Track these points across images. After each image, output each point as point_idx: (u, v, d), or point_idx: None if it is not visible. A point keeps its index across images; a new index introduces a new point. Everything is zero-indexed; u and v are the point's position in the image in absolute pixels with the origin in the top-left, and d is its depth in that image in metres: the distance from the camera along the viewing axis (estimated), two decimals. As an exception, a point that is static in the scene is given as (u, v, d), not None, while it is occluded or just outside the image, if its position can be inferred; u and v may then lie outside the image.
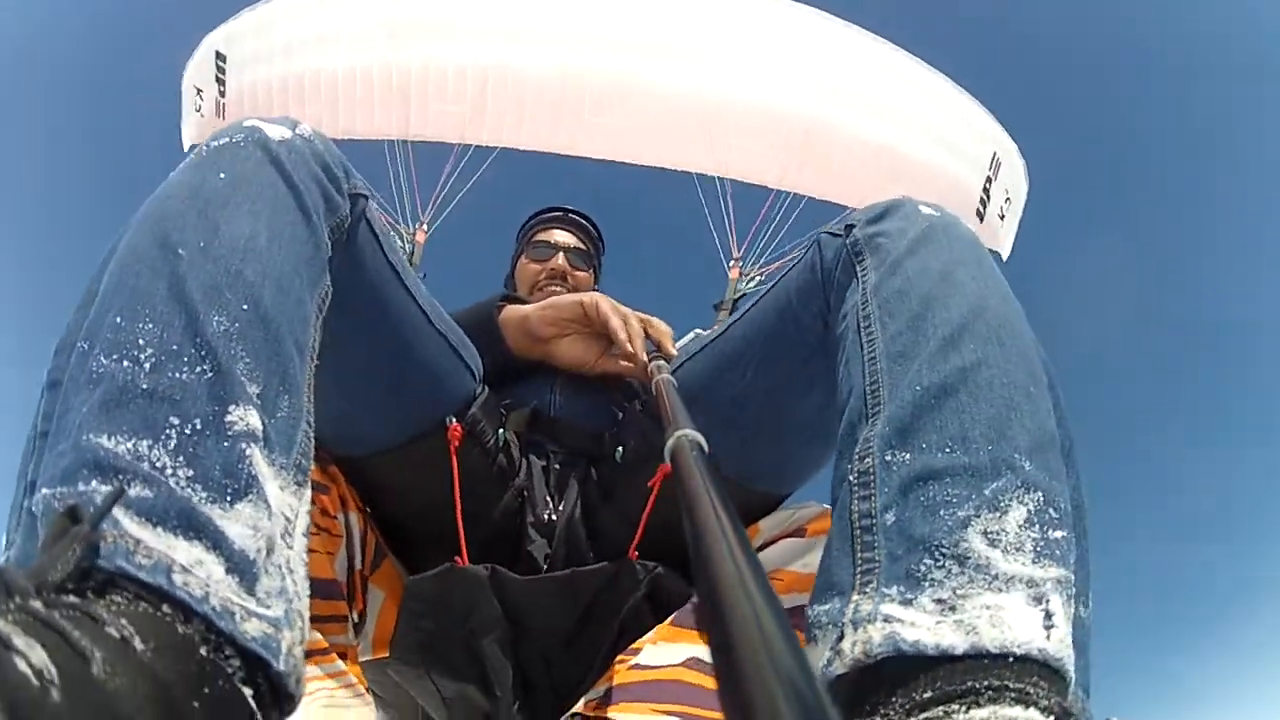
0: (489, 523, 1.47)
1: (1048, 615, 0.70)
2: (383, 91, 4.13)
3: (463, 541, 1.36)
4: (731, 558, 0.39)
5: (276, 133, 0.95)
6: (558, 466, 1.59)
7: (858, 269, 1.07)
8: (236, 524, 0.66)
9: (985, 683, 0.65)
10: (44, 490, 0.64)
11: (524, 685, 1.33)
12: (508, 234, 2.64)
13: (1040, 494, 0.77)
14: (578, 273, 2.29)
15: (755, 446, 1.37)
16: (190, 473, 0.66)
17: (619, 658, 1.27)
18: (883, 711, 0.66)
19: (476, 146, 4.39)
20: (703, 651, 1.20)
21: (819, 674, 0.71)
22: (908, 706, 0.65)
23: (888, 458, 0.82)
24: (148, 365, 0.70)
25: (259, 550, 0.67)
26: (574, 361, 1.71)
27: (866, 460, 0.84)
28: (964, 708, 0.63)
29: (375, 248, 1.16)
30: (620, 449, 1.54)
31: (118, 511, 0.61)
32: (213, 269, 0.78)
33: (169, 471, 0.65)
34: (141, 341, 0.71)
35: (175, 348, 0.71)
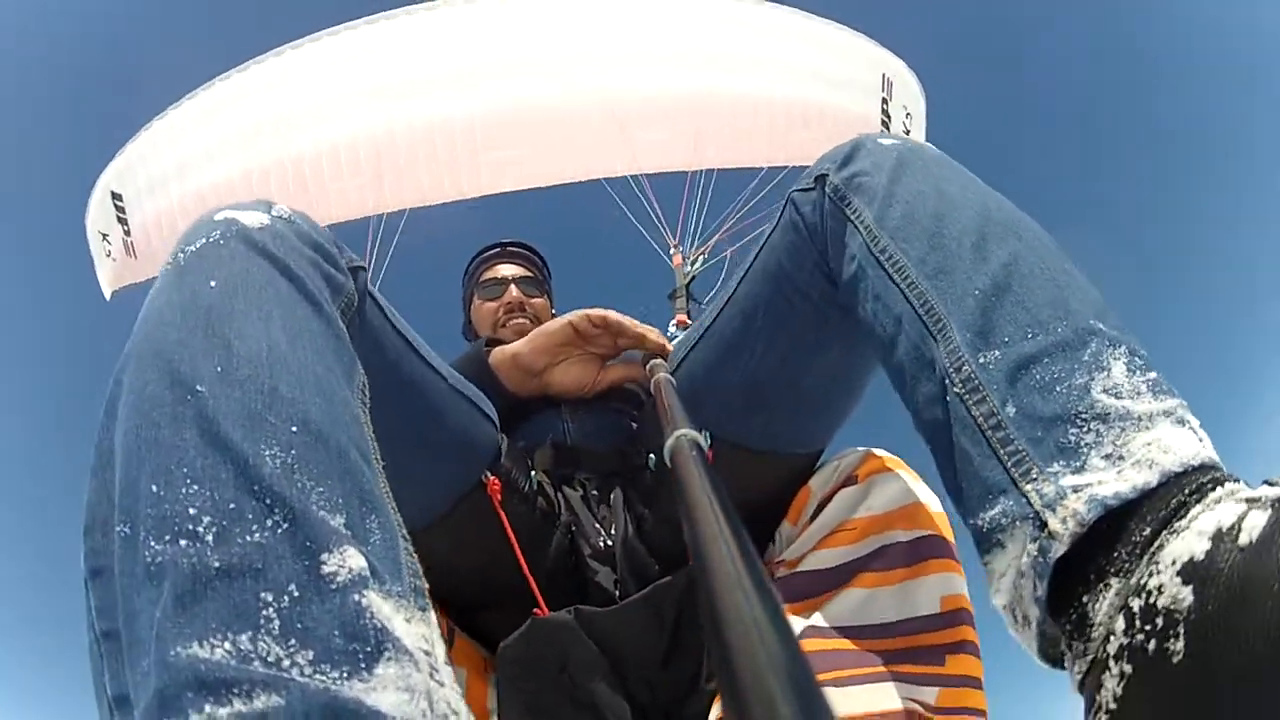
0: (547, 567, 1.45)
1: (1194, 431, 0.76)
2: (280, 186, 4.08)
3: (536, 591, 1.34)
4: (730, 559, 0.39)
5: (254, 219, 0.85)
6: (595, 492, 1.58)
7: (848, 211, 1.10)
8: (386, 693, 0.55)
9: (1185, 492, 0.69)
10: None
11: (642, 713, 1.31)
12: (448, 283, 2.63)
13: (1125, 346, 0.82)
14: (533, 299, 2.27)
15: (782, 418, 1.38)
16: (309, 654, 0.54)
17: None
18: (1115, 567, 0.70)
19: (390, 214, 4.38)
20: (801, 623, 1.21)
21: (1039, 564, 0.74)
22: (1137, 550, 0.69)
23: (981, 360, 0.86)
24: (210, 538, 0.58)
25: (423, 713, 0.57)
26: (574, 385, 1.67)
27: (964, 369, 0.87)
28: (1184, 519, 0.67)
29: (384, 320, 1.12)
30: (650, 456, 1.53)
31: None
32: (242, 396, 0.66)
33: (286, 663, 0.54)
34: (192, 511, 0.59)
35: (233, 506, 0.59)
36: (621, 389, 1.77)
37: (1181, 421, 0.77)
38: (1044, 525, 0.74)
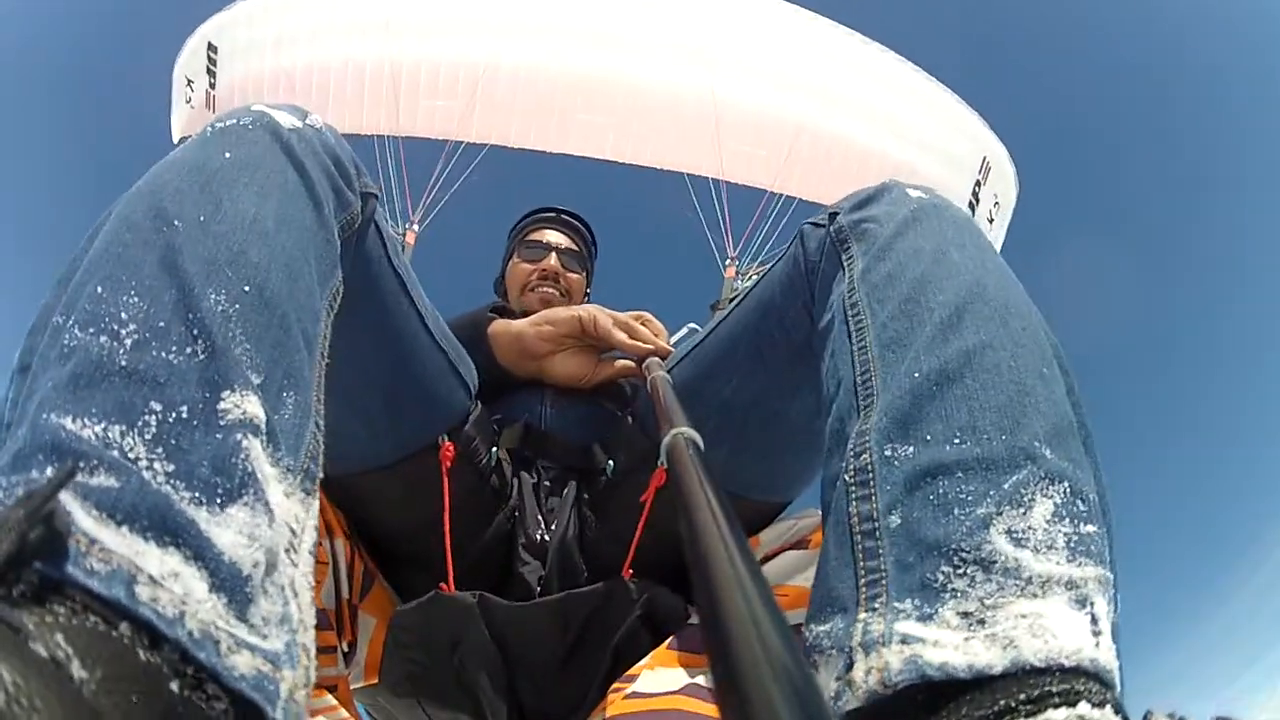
0: (480, 545, 1.43)
1: (1093, 620, 0.62)
2: (375, 86, 4.10)
3: (450, 567, 1.31)
4: (729, 558, 0.38)
5: (286, 120, 0.87)
6: (548, 484, 1.55)
7: (843, 257, 0.99)
8: (228, 531, 0.55)
9: (1023, 695, 0.56)
10: None
11: (520, 713, 1.29)
12: (497, 235, 2.61)
13: (1066, 485, 0.68)
14: (570, 274, 2.22)
15: (746, 456, 1.32)
16: (170, 467, 0.55)
17: (615, 685, 1.22)
18: None
19: (467, 145, 4.36)
20: (702, 677, 1.16)
21: (828, 710, 0.63)
22: None
23: (887, 452, 0.73)
24: (129, 342, 0.59)
25: (256, 565, 0.56)
26: (570, 377, 1.65)
27: (863, 456, 0.74)
28: None
29: (383, 252, 1.11)
30: (611, 463, 1.50)
31: (71, 503, 0.50)
32: (212, 244, 0.68)
33: (143, 463, 0.54)
34: (124, 315, 0.60)
35: (162, 324, 0.61)
36: (612, 386, 1.73)
37: (1083, 601, 0.62)
38: (850, 667, 0.62)
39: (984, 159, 4.62)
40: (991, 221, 4.77)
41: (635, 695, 1.16)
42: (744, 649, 0.31)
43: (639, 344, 1.53)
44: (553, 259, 2.21)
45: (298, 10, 4.11)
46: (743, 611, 0.33)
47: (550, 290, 2.18)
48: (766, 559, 1.31)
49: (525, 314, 1.84)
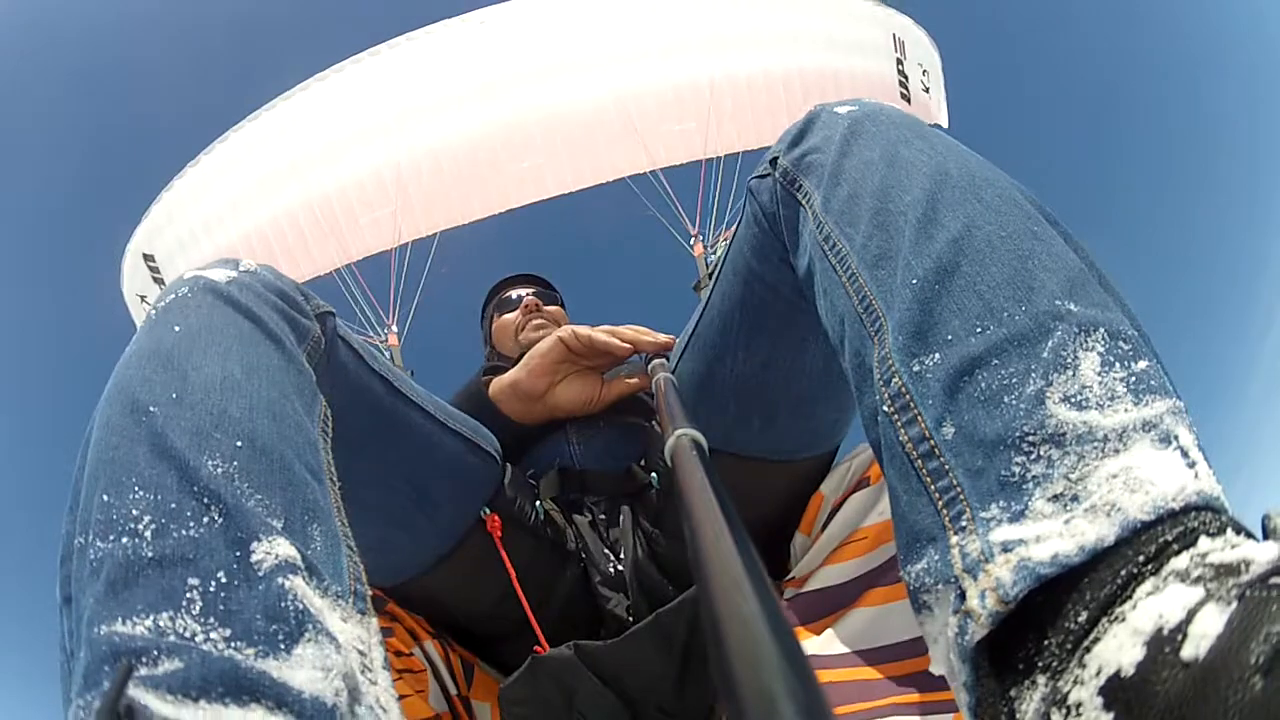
0: (560, 598, 1.43)
1: (1183, 452, 0.59)
2: (311, 227, 4.14)
3: (536, 628, 1.30)
4: (730, 558, 0.38)
5: (220, 275, 0.87)
6: (603, 516, 1.54)
7: (799, 196, 0.97)
8: (300, 671, 0.56)
9: (1141, 557, 0.53)
10: (71, 705, 0.54)
11: None
12: (474, 302, 2.69)
13: (1102, 330, 0.65)
14: (549, 306, 2.30)
15: (780, 420, 1.30)
16: (227, 631, 0.55)
17: None
18: (1044, 660, 0.54)
19: (416, 241, 4.39)
20: (813, 644, 1.15)
21: (959, 646, 0.60)
22: (1069, 641, 0.53)
23: (915, 368, 0.71)
24: (148, 534, 0.60)
25: (338, 693, 0.57)
26: (578, 402, 1.63)
27: (894, 381, 0.72)
28: (1127, 603, 0.51)
29: (359, 363, 1.10)
30: (654, 475, 1.50)
31: (144, 697, 0.50)
32: (192, 415, 0.69)
33: (200, 637, 0.55)
34: (135, 511, 0.61)
35: (174, 506, 0.62)
36: (630, 400, 1.72)
37: (1167, 438, 0.59)
38: (964, 596, 0.60)
39: (894, 35, 4.59)
40: (928, 90, 4.74)
41: None
42: (744, 649, 0.31)
43: (624, 342, 1.52)
44: (529, 297, 2.27)
45: (211, 191, 4.17)
46: (744, 612, 0.34)
47: (540, 320, 2.23)
48: (835, 509, 1.30)
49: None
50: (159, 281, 4.27)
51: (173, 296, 0.84)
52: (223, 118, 4.16)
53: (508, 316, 2.29)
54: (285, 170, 4.13)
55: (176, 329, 0.79)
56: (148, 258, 4.28)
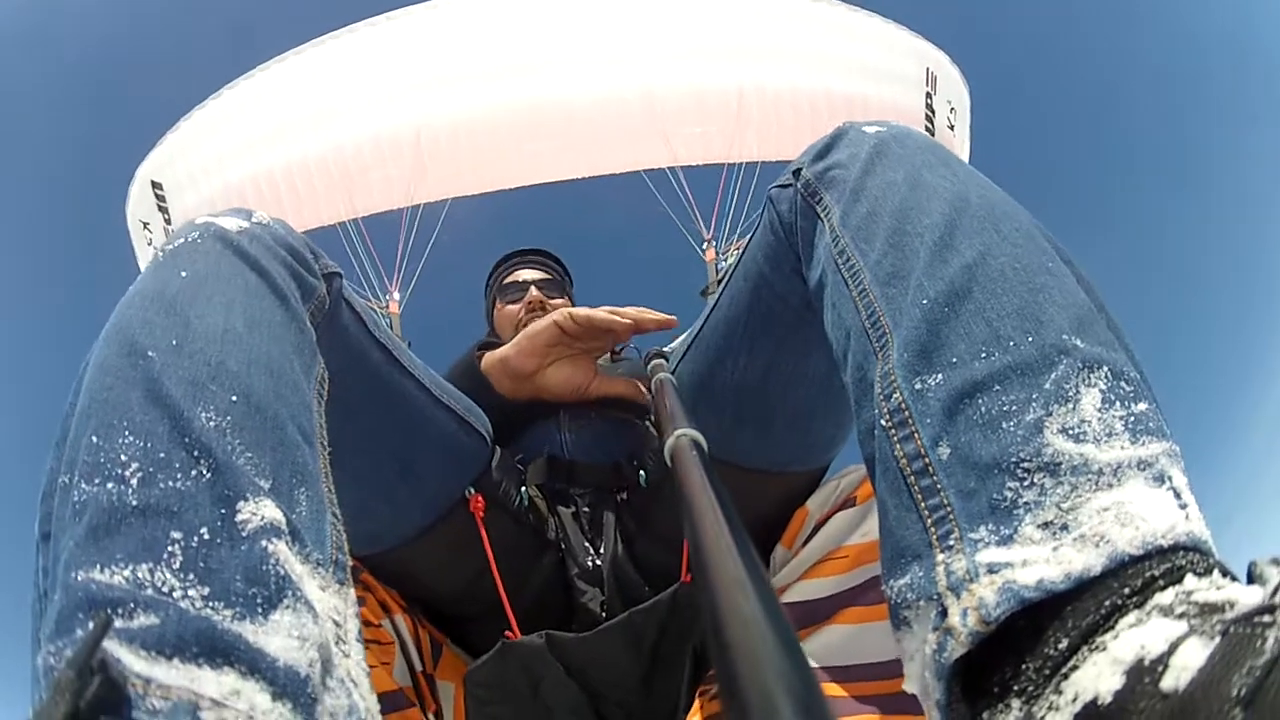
0: (535, 585, 1.43)
1: (1176, 493, 0.59)
2: (323, 176, 4.12)
3: (510, 613, 1.30)
4: (731, 557, 0.39)
5: (232, 224, 0.87)
6: (587, 509, 1.54)
7: (818, 209, 0.97)
8: (276, 637, 0.55)
9: (1126, 589, 0.53)
10: (42, 650, 0.54)
11: None
12: (479, 281, 2.65)
13: (1106, 369, 0.65)
14: (554, 300, 2.25)
15: (775, 430, 1.30)
16: (205, 590, 0.55)
17: (700, 688, 1.21)
18: (1019, 685, 0.54)
19: (427, 205, 4.37)
20: None
21: (936, 664, 0.60)
22: (1047, 667, 0.53)
23: (917, 386, 0.71)
24: (134, 481, 0.59)
25: (312, 664, 0.56)
26: (567, 387, 1.58)
27: (894, 397, 0.72)
28: (1109, 633, 0.52)
29: (360, 327, 1.10)
30: (643, 473, 1.50)
31: (117, 650, 0.50)
32: (190, 365, 0.68)
33: (178, 593, 0.54)
34: (124, 457, 0.61)
35: (163, 455, 0.61)
36: (622, 401, 1.70)
37: (1161, 478, 0.60)
38: (945, 613, 0.60)
39: (927, 69, 4.60)
40: (953, 128, 4.74)
41: (718, 695, 1.12)
42: (745, 649, 0.31)
43: (623, 318, 1.47)
44: (533, 291, 2.24)
45: (227, 128, 4.14)
46: (744, 612, 0.34)
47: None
48: (819, 526, 1.30)
49: None
50: (163, 210, 4.25)
51: (182, 241, 0.84)
52: (248, 63, 4.12)
53: (510, 307, 2.25)
54: (305, 117, 4.11)
55: (183, 274, 0.78)
56: (155, 185, 4.25)
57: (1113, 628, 0.52)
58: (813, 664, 1.12)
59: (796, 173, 1.04)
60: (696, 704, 1.17)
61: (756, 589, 0.35)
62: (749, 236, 1.21)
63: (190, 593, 0.54)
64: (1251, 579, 0.54)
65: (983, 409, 0.66)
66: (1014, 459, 0.62)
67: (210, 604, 0.54)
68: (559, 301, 2.27)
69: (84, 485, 0.60)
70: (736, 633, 0.33)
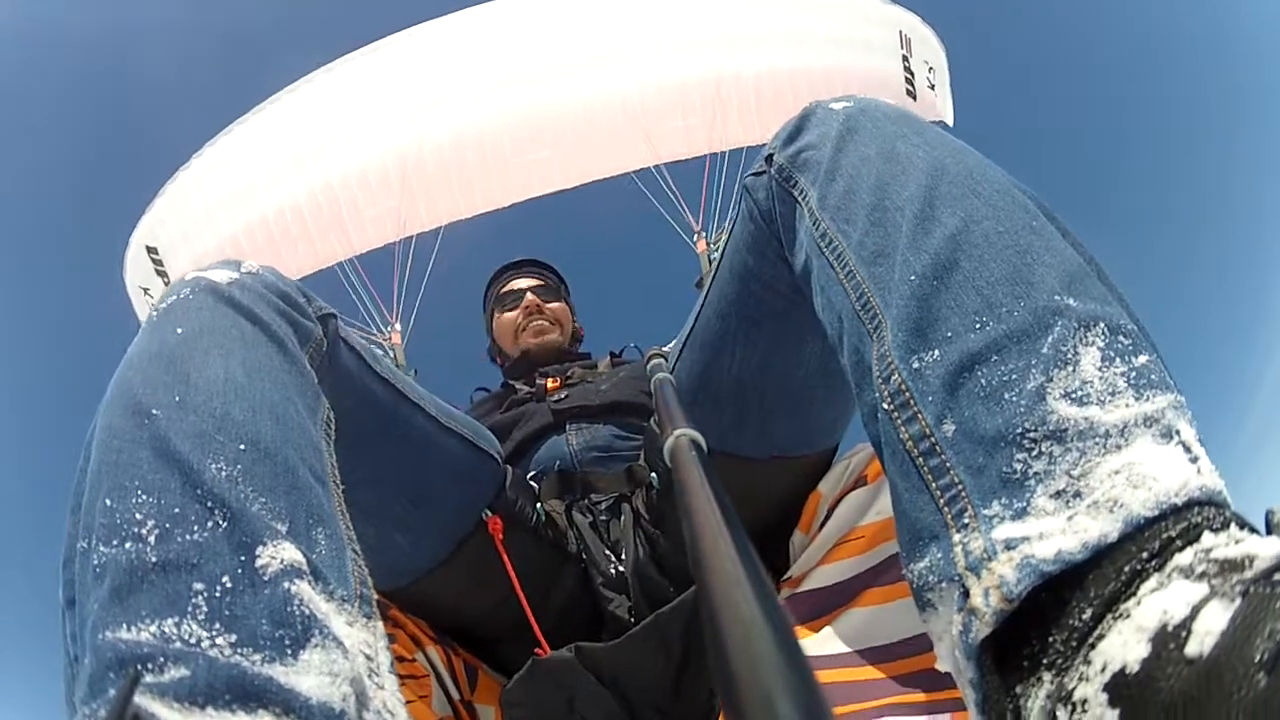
0: (561, 599, 1.44)
1: (1185, 447, 0.59)
2: (314, 218, 4.13)
3: (537, 631, 1.30)
4: (729, 557, 0.38)
5: (222, 276, 0.88)
6: (604, 517, 1.55)
7: (795, 193, 0.97)
8: (308, 676, 0.55)
9: (1144, 553, 0.53)
10: (77, 714, 0.54)
11: None
12: (479, 298, 2.67)
13: (1102, 325, 0.65)
14: (551, 304, 2.29)
15: (778, 417, 1.30)
16: (233, 637, 0.55)
17: None
18: (1048, 657, 0.54)
19: (420, 235, 4.38)
20: (810, 645, 1.14)
21: (964, 644, 0.60)
22: (1074, 638, 0.53)
23: (915, 365, 0.70)
24: (152, 539, 0.60)
25: (345, 699, 0.56)
26: None
27: (893, 379, 0.72)
28: (1131, 599, 0.51)
29: (360, 365, 1.10)
30: (654, 475, 1.50)
31: (150, 705, 0.50)
32: (195, 419, 0.68)
33: (205, 643, 0.54)
34: (138, 516, 0.61)
35: (177, 510, 0.61)
36: (630, 398, 1.74)
37: (1169, 433, 0.59)
38: (967, 594, 0.60)
39: (900, 33, 4.57)
40: (934, 87, 4.71)
41: None
42: (743, 649, 0.31)
43: None
44: (530, 295, 2.27)
45: (213, 182, 4.16)
46: (743, 611, 0.34)
47: (539, 322, 2.22)
48: (833, 508, 1.31)
49: (524, 355, 1.87)
50: (161, 274, 4.26)
51: (174, 298, 0.85)
52: (227, 113, 4.14)
53: (508, 315, 2.28)
54: (289, 161, 4.12)
55: (179, 330, 0.79)
56: (150, 250, 4.26)
57: (1135, 594, 0.52)
58: (829, 652, 1.12)
59: (769, 159, 1.05)
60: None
61: (755, 589, 0.35)
62: (729, 230, 1.22)
63: (218, 641, 0.55)
64: (1270, 529, 0.55)
65: (983, 381, 0.66)
66: (1020, 430, 0.62)
67: (239, 650, 0.55)
68: (556, 305, 2.30)
69: (102, 548, 0.60)
70: (735, 633, 0.32)
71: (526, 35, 4.15)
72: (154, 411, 0.69)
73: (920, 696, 1.05)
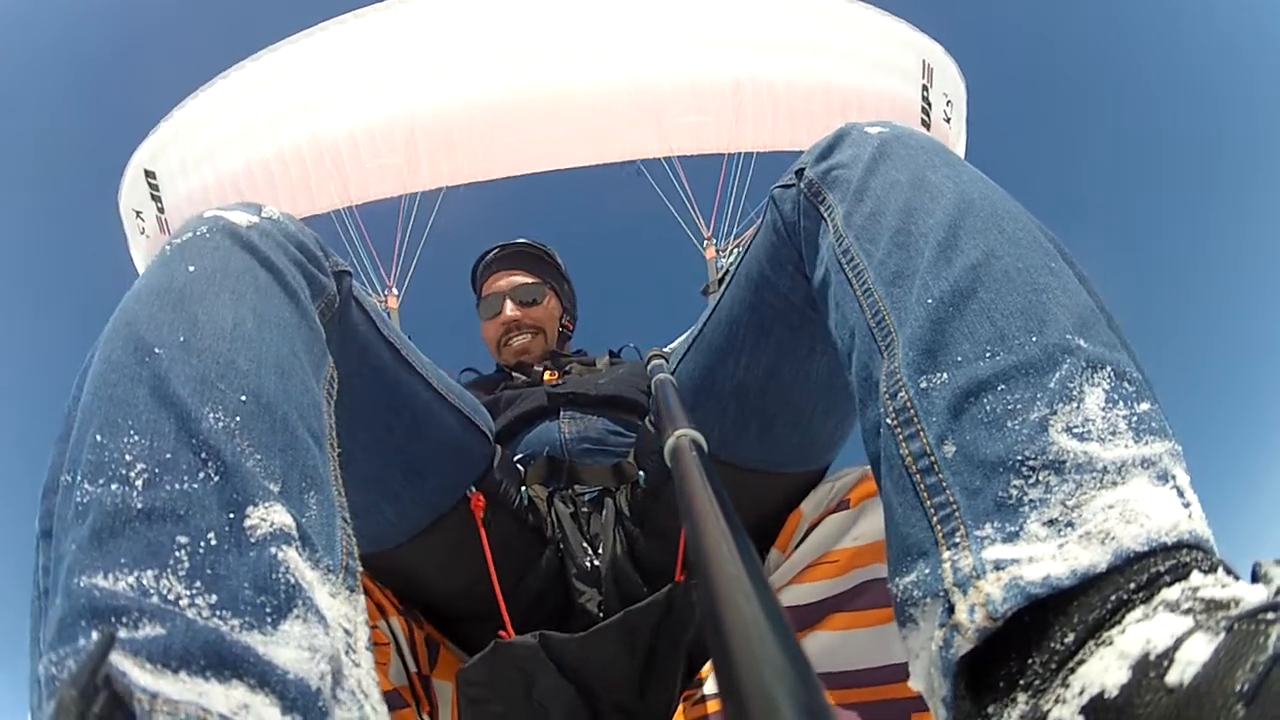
0: (533, 585, 1.43)
1: (1179, 492, 0.61)
2: (316, 164, 4.10)
3: (505, 614, 1.30)
4: (731, 559, 0.39)
5: (242, 218, 0.85)
6: (586, 510, 1.55)
7: (821, 209, 0.98)
8: (286, 648, 0.54)
9: (1132, 585, 0.54)
10: (43, 658, 0.52)
11: None
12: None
13: (1109, 369, 0.66)
14: (532, 310, 2.23)
15: (777, 430, 1.30)
16: (213, 598, 0.53)
17: (684, 693, 1.21)
18: (1025, 679, 0.55)
19: (424, 195, 4.35)
20: None
21: (942, 660, 0.61)
22: (1053, 662, 0.54)
23: (923, 384, 0.72)
24: (139, 482, 0.58)
25: (323, 677, 0.55)
26: None
27: (900, 396, 0.73)
28: (1115, 628, 0.52)
29: (370, 326, 1.09)
30: (642, 473, 1.50)
31: (122, 662, 0.48)
32: (198, 363, 0.66)
33: (184, 602, 0.52)
34: (128, 457, 0.59)
35: (169, 456, 0.60)
36: (625, 395, 1.73)
37: (1164, 477, 0.61)
38: (952, 610, 0.61)
39: (923, 62, 4.58)
40: (949, 120, 4.73)
41: (702, 700, 1.16)
42: (744, 649, 0.31)
43: None
44: (508, 309, 2.21)
45: (220, 116, 4.11)
46: (744, 612, 0.34)
47: (519, 338, 2.18)
48: (811, 528, 1.31)
49: (506, 367, 1.87)
50: (156, 199, 4.22)
51: (190, 235, 0.82)
52: (238, 54, 4.09)
53: (489, 323, 2.24)
54: (298, 105, 4.07)
55: (191, 269, 0.76)
56: (149, 174, 4.22)
57: (1119, 622, 0.53)
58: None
59: (799, 173, 1.05)
60: (680, 708, 1.17)
61: (756, 589, 0.35)
62: (751, 236, 1.22)
63: (198, 601, 0.53)
64: (1256, 578, 0.55)
65: (988, 408, 0.67)
66: (1019, 457, 0.63)
67: (218, 613, 0.53)
68: (538, 310, 2.23)
69: (87, 485, 0.58)
70: (736, 633, 0.33)
71: (552, 9, 4.13)
72: (156, 350, 0.67)
73: None
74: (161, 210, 4.24)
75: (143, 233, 4.37)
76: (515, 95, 4.11)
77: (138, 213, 4.32)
